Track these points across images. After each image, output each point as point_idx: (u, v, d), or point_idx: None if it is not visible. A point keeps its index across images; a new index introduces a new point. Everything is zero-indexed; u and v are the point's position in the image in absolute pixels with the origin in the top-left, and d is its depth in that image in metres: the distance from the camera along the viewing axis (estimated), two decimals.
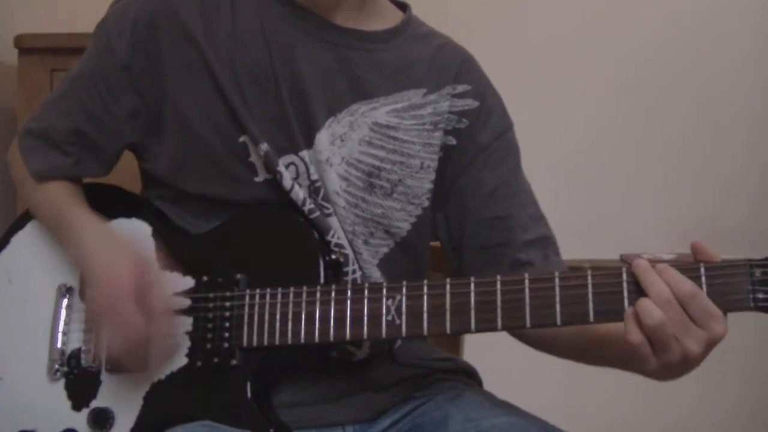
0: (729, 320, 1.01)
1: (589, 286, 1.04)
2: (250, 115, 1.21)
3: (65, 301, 1.25)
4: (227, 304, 1.17)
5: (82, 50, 1.30)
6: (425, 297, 1.10)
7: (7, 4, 2.47)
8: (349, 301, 1.12)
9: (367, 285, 1.14)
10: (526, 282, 1.06)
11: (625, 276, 1.03)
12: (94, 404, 1.20)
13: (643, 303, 1.00)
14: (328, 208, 1.21)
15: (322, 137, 1.22)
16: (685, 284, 1.00)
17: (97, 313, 1.18)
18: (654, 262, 1.04)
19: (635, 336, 1.00)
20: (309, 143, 1.22)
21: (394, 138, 1.25)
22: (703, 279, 1.01)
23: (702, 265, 1.01)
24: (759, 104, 2.62)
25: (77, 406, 1.21)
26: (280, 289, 1.15)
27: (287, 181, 1.20)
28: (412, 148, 1.26)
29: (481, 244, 1.29)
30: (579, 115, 2.60)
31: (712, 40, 2.60)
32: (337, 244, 1.21)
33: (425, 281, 1.11)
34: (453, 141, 1.28)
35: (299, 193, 1.20)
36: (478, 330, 1.08)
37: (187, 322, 1.19)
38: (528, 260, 1.27)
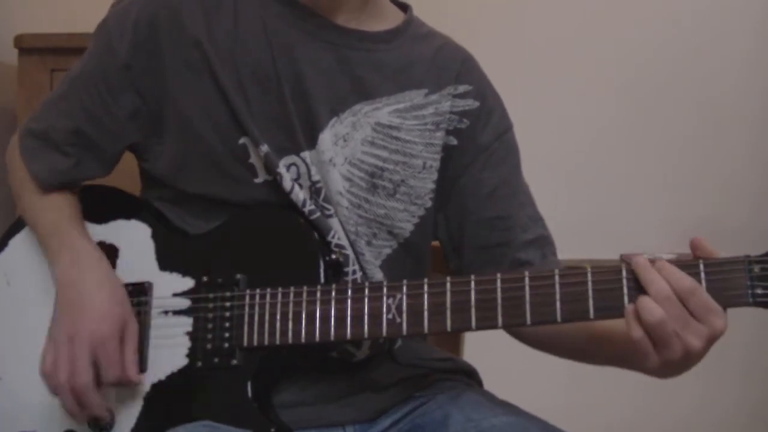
0: (728, 318, 1.02)
1: (589, 283, 1.05)
2: (251, 116, 1.21)
3: None
4: (227, 304, 1.17)
5: (82, 50, 1.30)
6: (426, 295, 1.10)
7: (7, 4, 2.47)
8: (349, 300, 1.12)
9: (367, 284, 1.14)
10: (527, 279, 1.07)
11: (624, 273, 1.04)
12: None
13: (643, 301, 1.01)
14: (329, 209, 1.21)
15: (325, 137, 1.22)
16: (685, 280, 1.00)
17: (58, 339, 1.18)
18: (653, 260, 1.04)
19: (636, 333, 1.01)
20: (311, 144, 1.22)
21: (397, 138, 1.25)
22: (702, 275, 1.01)
23: (701, 261, 1.02)
24: (759, 104, 2.62)
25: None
26: (280, 289, 1.15)
27: (287, 182, 1.20)
28: (415, 149, 1.26)
29: (481, 244, 1.29)
30: (579, 115, 2.60)
31: (712, 40, 2.60)
32: (337, 245, 1.21)
33: (425, 280, 1.11)
34: (454, 141, 1.28)
35: (299, 194, 1.20)
36: (479, 328, 1.09)
37: (187, 323, 1.19)
38: (528, 260, 1.27)
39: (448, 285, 1.10)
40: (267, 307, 1.15)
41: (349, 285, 1.14)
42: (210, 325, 1.17)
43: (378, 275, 1.24)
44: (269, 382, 1.18)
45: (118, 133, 1.26)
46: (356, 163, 1.23)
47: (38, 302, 1.25)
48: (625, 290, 1.03)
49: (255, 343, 1.15)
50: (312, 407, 1.22)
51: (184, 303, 1.20)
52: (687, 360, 1.02)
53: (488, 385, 1.37)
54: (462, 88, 1.30)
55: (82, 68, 1.27)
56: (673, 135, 2.62)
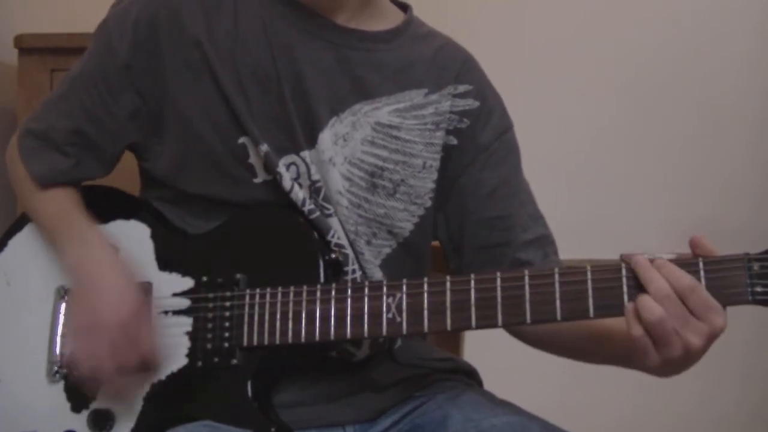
0: (728, 316, 1.02)
1: (589, 282, 1.05)
2: (251, 116, 1.21)
3: (64, 304, 1.25)
4: (227, 304, 1.17)
5: (82, 50, 1.30)
6: (425, 294, 1.10)
7: (7, 4, 2.47)
8: (349, 300, 1.12)
9: (367, 283, 1.14)
10: (526, 278, 1.07)
11: (624, 271, 1.04)
12: (93, 405, 1.20)
13: (643, 299, 1.01)
14: (328, 209, 1.21)
15: (325, 137, 1.22)
16: (684, 278, 1.01)
17: (77, 329, 1.18)
18: (653, 259, 1.04)
19: (636, 331, 1.01)
20: (311, 143, 1.22)
21: (397, 138, 1.25)
22: (702, 273, 1.01)
23: (700, 259, 1.02)
24: (759, 104, 2.61)
25: (77, 408, 1.21)
26: (280, 289, 1.15)
27: (287, 182, 1.20)
28: (415, 148, 1.26)
29: (481, 244, 1.29)
30: (579, 115, 2.60)
31: (712, 40, 2.60)
32: (337, 244, 1.21)
33: (425, 279, 1.11)
34: (454, 141, 1.28)
35: (299, 194, 1.20)
36: (479, 327, 1.09)
37: (186, 323, 1.19)
38: (528, 259, 1.27)
39: (448, 284, 1.10)
40: (267, 306, 1.15)
41: (349, 284, 1.14)
42: (210, 325, 1.17)
43: (378, 275, 1.24)
44: (269, 382, 1.18)
45: (118, 133, 1.26)
46: (356, 162, 1.23)
47: (38, 303, 1.25)
48: (625, 289, 1.03)
49: (255, 342, 1.15)
50: (312, 407, 1.22)
51: (184, 303, 1.20)
52: (687, 358, 1.02)
53: (488, 385, 1.37)
54: (462, 88, 1.30)
55: (82, 68, 1.27)
56: (673, 135, 2.62)
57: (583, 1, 2.62)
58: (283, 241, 1.19)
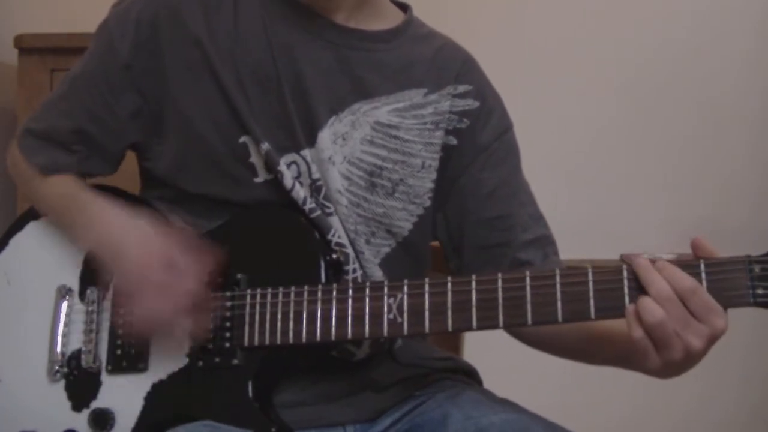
0: (728, 318, 1.01)
1: (590, 284, 1.05)
2: (252, 115, 1.21)
3: (65, 303, 1.25)
4: (228, 304, 1.17)
5: (82, 50, 1.30)
6: (427, 295, 1.10)
7: (7, 4, 2.47)
8: (350, 300, 1.12)
9: (368, 284, 1.14)
10: (527, 279, 1.07)
11: (625, 273, 1.04)
12: (94, 405, 1.20)
13: (644, 301, 1.01)
14: (329, 207, 1.22)
15: (324, 136, 1.22)
16: (686, 280, 1.00)
17: (131, 285, 1.16)
18: (654, 260, 1.04)
19: (637, 333, 1.01)
20: (311, 142, 1.22)
21: (396, 137, 1.25)
22: (703, 275, 1.01)
23: (702, 261, 1.02)
24: (759, 104, 2.62)
25: (77, 407, 1.21)
26: (281, 289, 1.15)
27: (288, 180, 1.20)
28: (414, 148, 1.26)
29: (481, 244, 1.29)
30: (579, 115, 2.60)
31: (712, 40, 2.60)
32: (337, 243, 1.21)
33: (426, 279, 1.11)
34: (454, 141, 1.28)
35: (300, 192, 1.20)
36: (480, 327, 1.09)
37: (188, 322, 1.19)
38: (528, 260, 1.27)
39: (449, 285, 1.10)
40: (268, 306, 1.15)
41: (350, 285, 1.15)
42: (211, 325, 1.17)
43: (377, 274, 1.24)
44: (270, 382, 1.18)
45: (119, 133, 1.26)
46: (355, 161, 1.23)
47: (39, 302, 1.25)
48: (626, 290, 1.03)
49: (256, 342, 1.15)
50: (312, 407, 1.22)
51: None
52: (688, 360, 1.02)
53: (488, 384, 1.37)
54: (462, 88, 1.30)
55: (82, 68, 1.28)
56: (673, 135, 2.62)
57: (583, 1, 2.62)
58: (284, 241, 1.19)
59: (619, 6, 2.61)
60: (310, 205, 1.20)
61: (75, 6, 2.44)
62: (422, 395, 1.26)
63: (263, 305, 1.15)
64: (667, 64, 2.60)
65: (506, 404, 1.22)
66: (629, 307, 1.02)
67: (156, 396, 1.18)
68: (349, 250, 1.22)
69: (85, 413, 1.20)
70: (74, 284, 1.26)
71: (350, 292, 1.13)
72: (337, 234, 1.21)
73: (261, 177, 1.21)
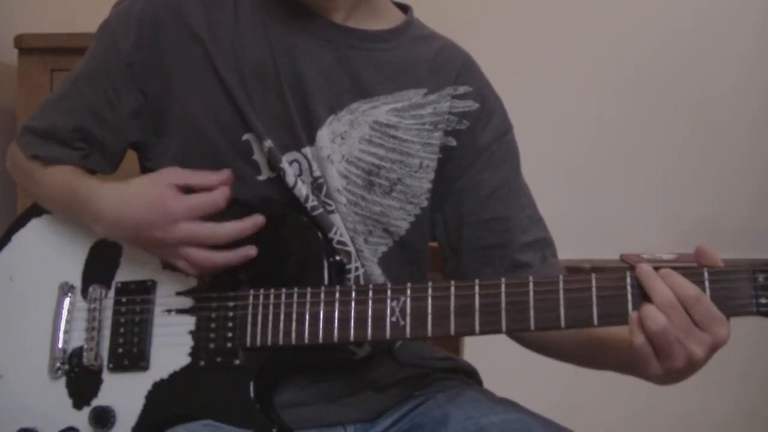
0: (729, 322, 1.02)
1: (593, 290, 1.05)
2: (254, 112, 1.21)
3: (67, 300, 1.25)
4: (230, 304, 1.17)
5: (82, 50, 1.30)
6: (429, 299, 1.10)
7: (7, 4, 2.47)
8: (353, 302, 1.12)
9: (371, 286, 1.14)
10: (531, 285, 1.07)
11: (629, 280, 1.04)
12: (95, 403, 1.20)
13: (647, 309, 1.01)
14: (330, 205, 1.22)
15: (323, 134, 1.22)
16: (689, 288, 1.01)
17: (165, 239, 1.16)
18: (654, 261, 1.04)
19: (638, 340, 1.01)
20: (311, 140, 1.22)
21: (394, 137, 1.25)
22: (707, 284, 1.01)
23: (705, 270, 1.02)
24: (759, 104, 2.62)
25: (78, 405, 1.21)
26: (284, 290, 1.15)
27: (290, 177, 1.20)
28: (412, 148, 1.26)
29: (480, 246, 1.29)
30: (579, 115, 2.60)
31: (712, 40, 2.60)
32: (339, 242, 1.21)
33: (430, 283, 1.11)
34: (453, 142, 1.28)
35: (302, 190, 1.20)
36: (483, 332, 1.08)
37: (190, 322, 1.19)
38: (527, 262, 1.27)
39: (453, 289, 1.10)
40: (270, 307, 1.15)
41: (353, 287, 1.15)
42: (213, 325, 1.17)
43: (377, 272, 1.24)
44: (271, 383, 1.19)
45: (120, 131, 1.26)
46: (353, 160, 1.24)
47: (41, 298, 1.26)
48: (629, 297, 1.03)
49: (258, 343, 1.15)
50: (312, 407, 1.22)
51: (188, 302, 1.20)
52: (689, 368, 1.02)
53: (488, 384, 1.37)
54: (462, 90, 1.30)
55: (84, 68, 1.28)
56: (673, 135, 2.62)
57: (583, 1, 2.62)
58: (288, 242, 1.19)
59: (619, 6, 2.61)
60: (312, 202, 1.20)
61: (75, 6, 2.44)
62: (422, 395, 1.27)
63: (266, 306, 1.15)
64: (667, 64, 2.60)
65: (506, 404, 1.22)
66: (632, 314, 1.02)
67: (157, 395, 1.18)
68: (351, 248, 1.22)
69: (86, 411, 1.20)
70: (77, 281, 1.26)
71: (353, 294, 1.13)
72: (339, 232, 1.21)
73: (264, 175, 1.22)
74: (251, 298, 1.16)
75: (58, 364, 1.23)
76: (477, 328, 1.08)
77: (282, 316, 1.14)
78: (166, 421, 1.16)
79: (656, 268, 1.03)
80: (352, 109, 1.24)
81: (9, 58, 2.21)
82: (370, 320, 1.12)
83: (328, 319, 1.13)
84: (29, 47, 2.15)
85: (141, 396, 1.19)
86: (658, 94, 2.61)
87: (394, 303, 1.11)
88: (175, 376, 1.18)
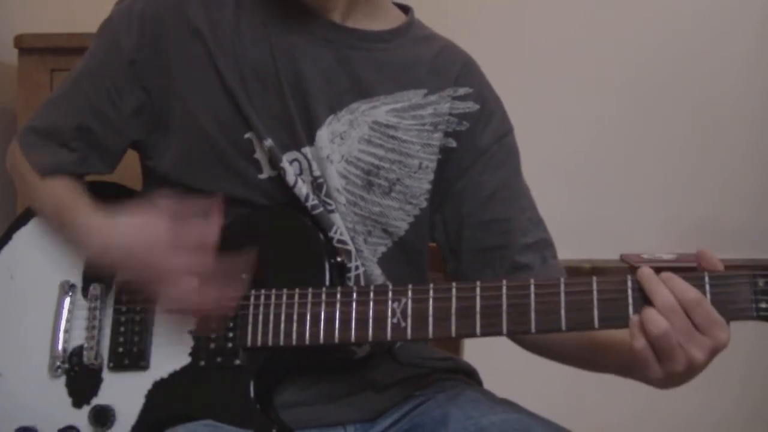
0: (729, 327, 1.02)
1: (594, 293, 1.05)
2: (254, 111, 1.21)
3: (67, 299, 1.25)
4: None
5: (82, 50, 1.30)
6: (431, 300, 1.10)
7: (7, 4, 2.47)
8: (354, 303, 1.13)
9: (372, 287, 1.14)
10: (532, 287, 1.07)
11: (630, 283, 1.04)
12: (95, 401, 1.20)
13: (648, 312, 1.01)
14: (330, 204, 1.22)
15: (323, 134, 1.22)
16: (690, 292, 1.01)
17: (153, 276, 1.14)
18: (654, 261, 1.04)
19: (639, 343, 1.01)
20: (311, 140, 1.22)
21: (394, 137, 1.25)
22: (707, 287, 1.02)
23: (706, 274, 1.02)
24: (759, 104, 2.62)
25: (78, 403, 1.21)
26: (285, 290, 1.15)
27: (290, 177, 1.20)
28: (411, 148, 1.26)
29: (480, 247, 1.29)
30: (579, 115, 2.60)
31: (712, 40, 2.60)
32: (340, 240, 1.21)
33: (431, 285, 1.11)
34: (453, 143, 1.28)
35: (302, 189, 1.20)
36: (484, 334, 1.09)
37: (190, 321, 1.19)
38: (527, 263, 1.27)
39: (454, 290, 1.10)
40: (271, 308, 1.15)
41: (354, 288, 1.15)
42: (214, 325, 1.17)
43: (376, 272, 1.24)
44: (272, 383, 1.19)
45: (122, 129, 1.26)
46: (352, 160, 1.24)
47: (42, 297, 1.26)
48: (630, 300, 1.04)
49: (259, 343, 1.15)
50: (312, 407, 1.22)
51: None
52: (689, 372, 1.03)
53: (488, 385, 1.37)
54: (462, 91, 1.30)
55: (85, 66, 1.28)
56: (673, 135, 2.62)
57: (583, 1, 2.62)
58: (289, 243, 1.19)
59: (619, 6, 2.61)
60: (312, 201, 1.20)
61: (75, 6, 2.44)
62: (422, 395, 1.27)
63: (267, 306, 1.15)
64: (667, 64, 2.59)
65: (506, 404, 1.22)
66: (633, 318, 1.02)
67: (157, 394, 1.18)
68: (351, 247, 1.22)
69: (86, 410, 1.20)
70: (77, 280, 1.26)
71: (354, 295, 1.13)
72: (339, 231, 1.21)
73: (266, 173, 1.22)
74: (252, 299, 1.16)
75: (58, 363, 1.23)
76: (478, 330, 1.09)
77: (283, 317, 1.14)
78: (166, 421, 1.16)
79: (657, 271, 1.03)
80: (352, 109, 1.24)
81: (9, 58, 2.21)
82: (371, 321, 1.12)
83: (329, 320, 1.13)
84: (29, 47, 2.14)
85: (141, 395, 1.19)
86: (658, 94, 2.61)
87: (396, 304, 1.11)
88: (175, 376, 1.18)
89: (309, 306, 1.14)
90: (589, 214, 2.59)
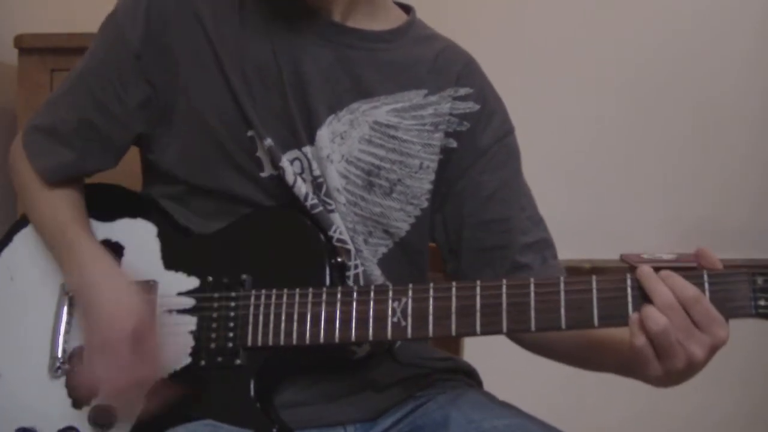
0: (729, 323, 1.02)
1: (594, 292, 1.05)
2: (256, 111, 1.21)
3: (68, 300, 1.25)
4: (232, 304, 1.17)
5: (82, 50, 1.30)
6: (431, 299, 1.10)
7: (7, 4, 2.47)
8: (354, 303, 1.13)
9: (373, 287, 1.14)
10: (532, 286, 1.07)
11: (629, 281, 1.04)
12: (95, 402, 1.20)
13: (648, 310, 1.01)
14: (330, 204, 1.22)
15: (323, 134, 1.22)
16: (689, 289, 1.01)
17: (93, 347, 1.17)
18: (654, 261, 1.04)
19: (639, 341, 1.01)
20: (311, 140, 1.22)
21: (394, 137, 1.25)
22: (706, 285, 1.02)
23: (705, 272, 1.02)
24: (759, 104, 2.62)
25: (78, 404, 1.21)
26: (285, 290, 1.15)
27: (290, 176, 1.20)
28: (412, 148, 1.26)
29: (480, 247, 1.29)
30: (579, 115, 2.60)
31: (712, 40, 2.60)
32: (339, 240, 1.21)
33: (431, 284, 1.11)
34: (453, 144, 1.28)
35: (302, 188, 1.20)
36: (484, 333, 1.09)
37: (191, 322, 1.19)
38: (527, 263, 1.27)
39: (454, 289, 1.10)
40: (272, 307, 1.15)
41: (355, 288, 1.15)
42: (214, 325, 1.17)
43: (376, 272, 1.24)
44: (272, 383, 1.19)
45: (126, 123, 1.26)
46: (353, 161, 1.24)
47: (42, 298, 1.25)
48: (630, 299, 1.04)
49: (259, 343, 1.15)
50: (312, 407, 1.22)
51: (189, 302, 1.20)
52: (688, 369, 1.03)
53: (488, 385, 1.37)
54: (463, 91, 1.30)
55: (89, 61, 1.27)
56: (673, 135, 2.62)
57: (583, 1, 2.62)
58: (290, 243, 1.19)
59: (619, 6, 2.61)
60: (312, 201, 1.20)
61: (75, 6, 2.44)
62: (423, 396, 1.27)
63: (267, 306, 1.15)
64: (667, 64, 2.60)
65: (508, 408, 1.22)
66: (633, 316, 1.02)
67: (157, 394, 1.18)
68: (350, 246, 1.22)
69: (86, 410, 1.20)
70: None
71: (355, 294, 1.13)
72: (339, 230, 1.21)
73: (267, 172, 1.22)
74: (253, 299, 1.16)
75: (58, 364, 1.23)
76: (478, 328, 1.09)
77: (283, 317, 1.14)
78: (166, 421, 1.16)
79: (656, 270, 1.03)
80: (352, 109, 1.24)
81: (9, 58, 2.21)
82: (371, 321, 1.12)
83: (330, 320, 1.13)
84: (29, 47, 2.15)
85: (141, 395, 1.19)
86: (658, 94, 2.61)
87: (396, 303, 1.11)
88: (175, 376, 1.18)
89: (309, 306, 1.14)
90: (589, 214, 2.60)
